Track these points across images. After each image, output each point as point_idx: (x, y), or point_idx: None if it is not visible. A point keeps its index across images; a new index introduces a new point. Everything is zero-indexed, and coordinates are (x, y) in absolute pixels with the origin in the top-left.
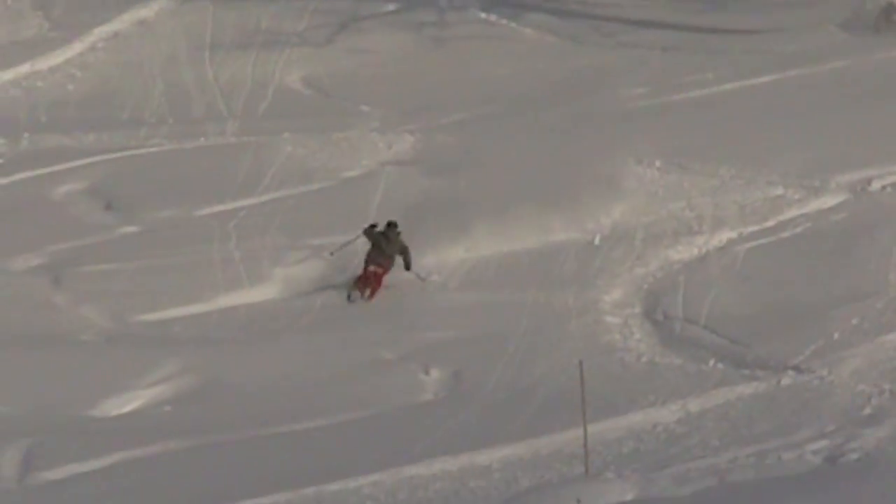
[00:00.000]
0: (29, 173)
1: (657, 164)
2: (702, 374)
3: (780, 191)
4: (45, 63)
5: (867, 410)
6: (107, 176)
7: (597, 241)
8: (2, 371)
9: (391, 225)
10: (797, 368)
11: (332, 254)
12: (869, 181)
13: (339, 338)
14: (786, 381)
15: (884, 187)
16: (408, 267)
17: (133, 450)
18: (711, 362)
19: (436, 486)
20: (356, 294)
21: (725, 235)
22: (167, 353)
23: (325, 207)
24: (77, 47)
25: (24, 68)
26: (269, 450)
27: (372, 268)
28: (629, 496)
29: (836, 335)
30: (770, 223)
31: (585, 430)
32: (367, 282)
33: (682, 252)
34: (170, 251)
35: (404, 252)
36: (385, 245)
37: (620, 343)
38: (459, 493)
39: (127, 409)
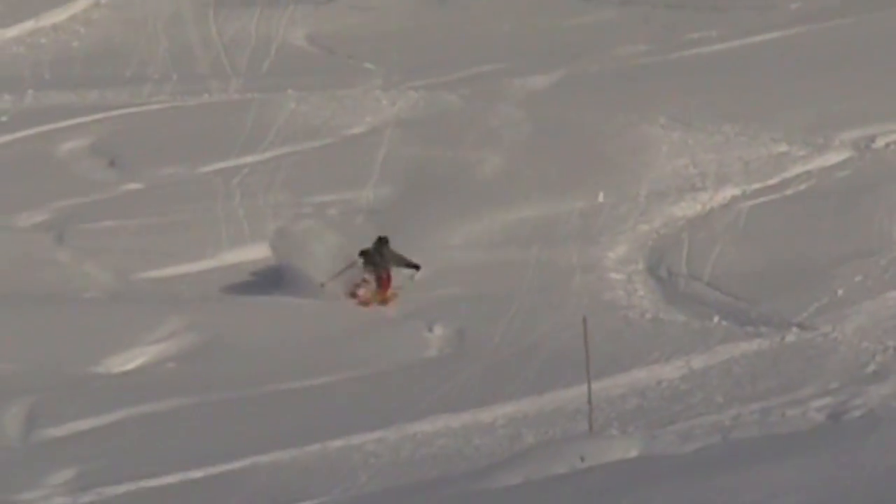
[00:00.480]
0: (32, 130)
1: (661, 121)
2: (706, 331)
3: (784, 148)
4: (49, 20)
5: (871, 367)
6: (110, 133)
7: (600, 198)
8: (5, 328)
9: (381, 240)
10: (801, 325)
11: (322, 285)
12: (873, 138)
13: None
14: (790, 338)
15: (888, 144)
16: (416, 267)
17: (137, 407)
18: (715, 319)
19: (439, 442)
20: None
21: (729, 192)
22: (171, 311)
23: (329, 165)
24: (81, 4)
25: (29, 25)
26: (273, 407)
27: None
28: (633, 453)
29: (840, 292)
30: (774, 180)
31: (589, 387)
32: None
33: (686, 209)
34: (173, 208)
35: (401, 262)
36: (380, 261)
37: (624, 300)
38: (463, 450)
39: (130, 366)
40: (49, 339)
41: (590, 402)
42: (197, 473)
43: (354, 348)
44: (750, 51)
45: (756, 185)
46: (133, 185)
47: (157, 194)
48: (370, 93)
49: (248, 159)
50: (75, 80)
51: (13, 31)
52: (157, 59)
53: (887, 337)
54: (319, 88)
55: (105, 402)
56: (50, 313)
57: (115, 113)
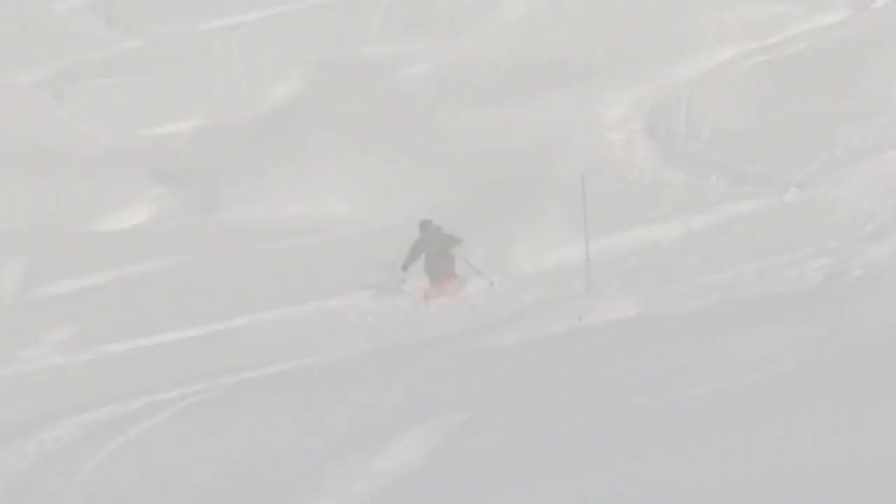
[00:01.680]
0: None
1: None
2: (704, 191)
3: (783, 7)
4: None
5: (870, 227)
6: None
7: (600, 57)
8: (2, 186)
9: (424, 225)
10: (800, 185)
11: (402, 281)
12: None
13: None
14: (788, 197)
15: (887, 4)
16: (458, 241)
17: (135, 265)
18: (714, 179)
19: (437, 301)
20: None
21: (728, 52)
22: (169, 168)
23: (328, 20)
24: None
25: None
26: (271, 265)
27: (436, 289)
28: (631, 312)
29: (839, 152)
30: (773, 40)
31: (588, 247)
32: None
33: (685, 68)
34: (172, 66)
35: (456, 242)
36: (432, 249)
37: (623, 159)
38: (460, 308)
39: (128, 224)
40: (47, 197)
41: (588, 261)
42: (195, 331)
43: (354, 207)
44: None
45: (755, 45)
46: (131, 43)
47: (156, 52)
48: None
49: (247, 17)
50: None
51: None
52: None
53: (887, 196)
54: None
55: (103, 259)
56: (48, 171)
57: None
